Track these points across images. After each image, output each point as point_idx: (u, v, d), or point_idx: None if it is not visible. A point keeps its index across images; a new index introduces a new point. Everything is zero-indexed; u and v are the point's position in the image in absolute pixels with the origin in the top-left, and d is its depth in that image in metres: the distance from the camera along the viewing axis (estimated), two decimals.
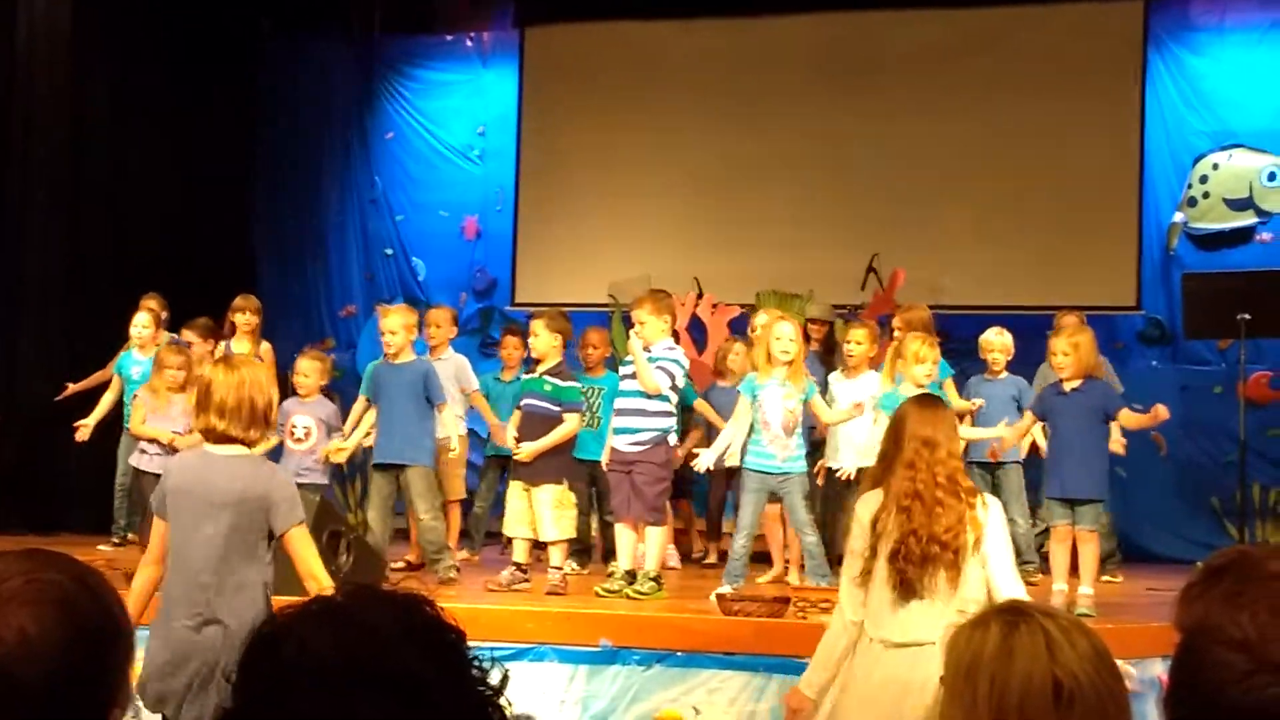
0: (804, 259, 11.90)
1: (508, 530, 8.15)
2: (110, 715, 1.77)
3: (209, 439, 4.96)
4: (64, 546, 1.94)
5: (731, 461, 8.12)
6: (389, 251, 13.52)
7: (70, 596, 1.75)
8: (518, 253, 13.14)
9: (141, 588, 5.01)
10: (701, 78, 12.60)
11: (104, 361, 10.14)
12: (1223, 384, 10.90)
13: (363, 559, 7.58)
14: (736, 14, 12.62)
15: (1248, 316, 9.19)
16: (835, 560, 8.93)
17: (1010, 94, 11.95)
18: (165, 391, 8.84)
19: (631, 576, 7.71)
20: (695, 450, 8.26)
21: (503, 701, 1.51)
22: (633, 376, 7.82)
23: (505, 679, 1.51)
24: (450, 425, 8.55)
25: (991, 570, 4.72)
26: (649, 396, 7.74)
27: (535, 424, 8.04)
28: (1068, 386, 7.78)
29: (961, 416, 7.94)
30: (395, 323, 8.40)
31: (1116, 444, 8.30)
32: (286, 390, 9.55)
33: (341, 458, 8.64)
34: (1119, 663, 4.50)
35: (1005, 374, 8.75)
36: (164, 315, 10.20)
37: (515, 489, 8.05)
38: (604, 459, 8.09)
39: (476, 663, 1.50)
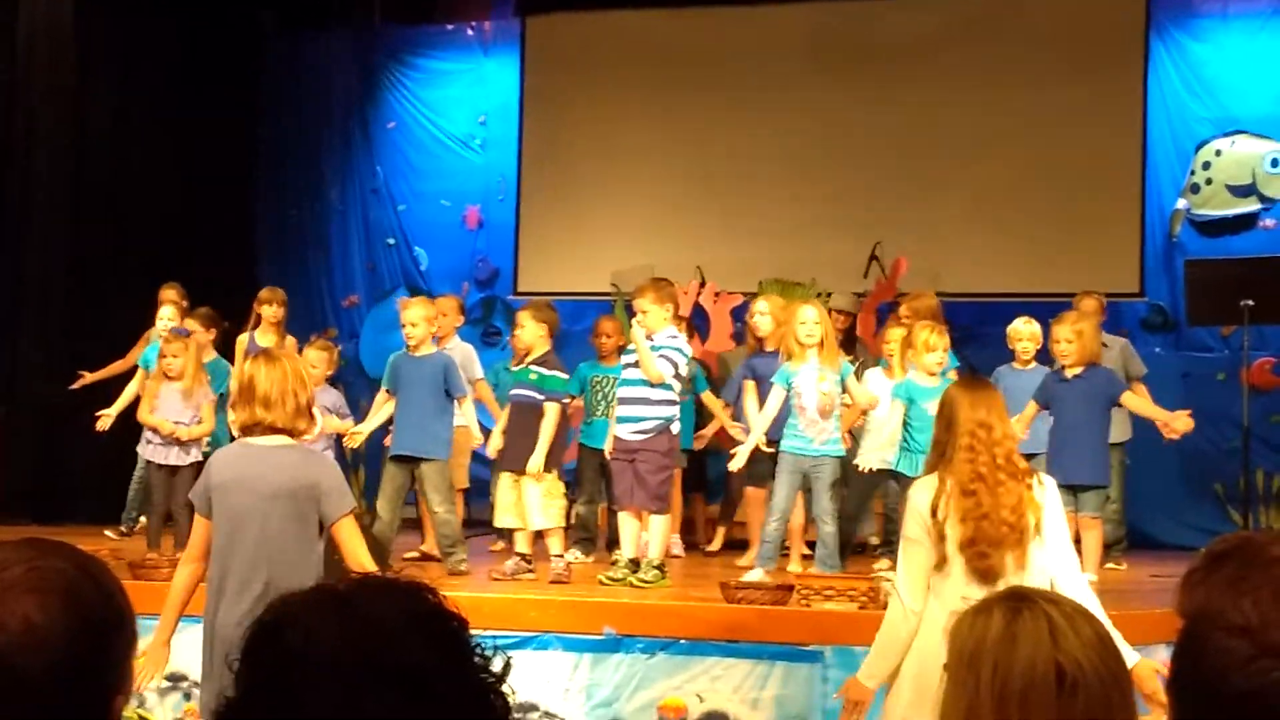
0: (807, 247, 11.90)
1: (498, 521, 8.21)
2: (114, 704, 1.78)
3: (253, 432, 4.97)
4: (68, 536, 1.94)
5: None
6: (391, 241, 13.51)
7: (73, 585, 1.76)
8: (520, 242, 13.14)
9: (183, 585, 5.05)
10: (703, 66, 12.58)
11: (105, 355, 10.13)
12: (1226, 371, 10.89)
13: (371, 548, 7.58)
14: (737, 3, 12.61)
15: (1251, 303, 9.19)
16: (855, 548, 9.06)
17: (1013, 81, 11.94)
18: (165, 379, 8.83)
19: (635, 565, 7.72)
20: (703, 434, 8.30)
21: (505, 689, 1.52)
22: (635, 365, 7.83)
23: (508, 667, 1.52)
24: (469, 416, 8.57)
25: (1050, 552, 4.72)
26: (652, 385, 7.75)
27: (522, 413, 8.08)
28: (1070, 374, 7.81)
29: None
30: (416, 315, 8.41)
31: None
32: None
33: (357, 441, 8.63)
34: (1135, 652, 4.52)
35: (1034, 364, 8.57)
36: (184, 305, 10.17)
37: (505, 480, 8.07)
38: (607, 448, 8.11)
39: (479, 651, 1.51)
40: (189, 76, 12.18)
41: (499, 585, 7.71)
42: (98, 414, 9.35)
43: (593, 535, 9.40)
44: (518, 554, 8.02)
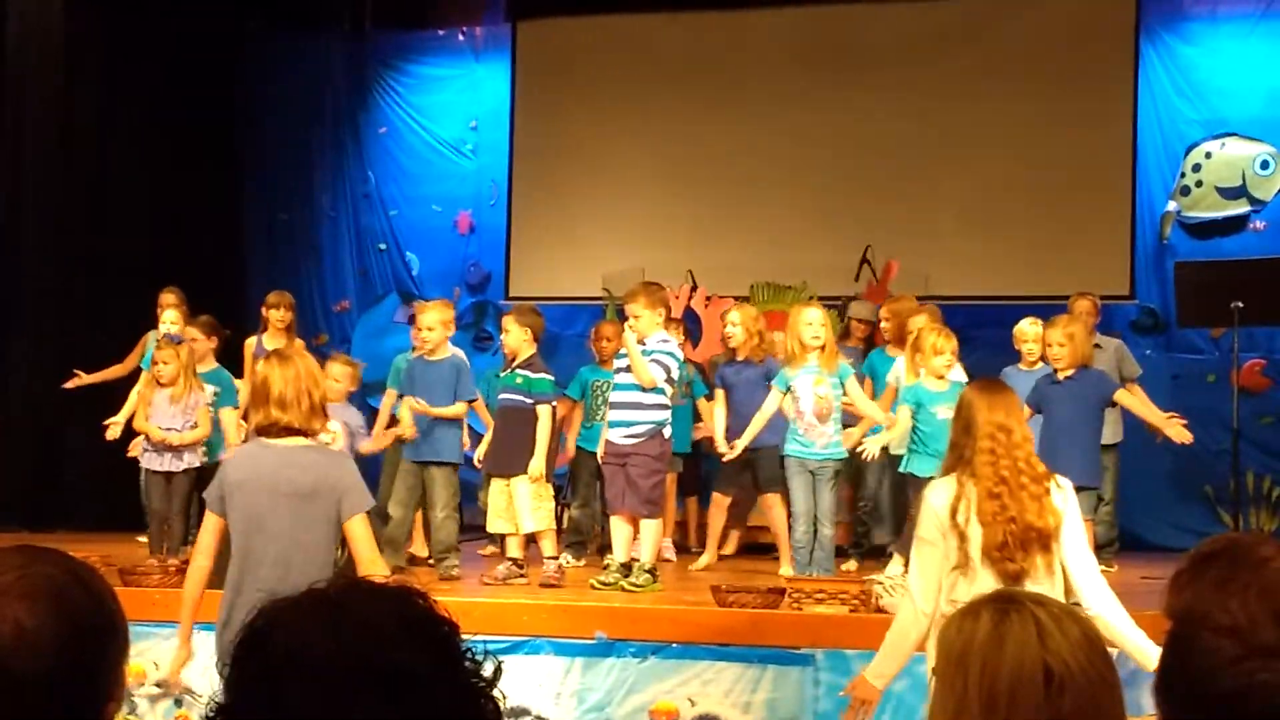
0: (798, 251, 11.92)
1: (491, 526, 8.21)
2: (105, 710, 1.78)
3: (269, 433, 4.98)
4: (61, 543, 1.94)
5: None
6: (382, 246, 13.51)
7: (64, 591, 1.76)
8: (511, 246, 13.15)
9: (195, 582, 5.09)
10: (693, 70, 12.60)
11: (97, 359, 10.12)
12: (1216, 372, 10.91)
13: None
14: (727, 7, 12.63)
15: (1241, 305, 9.21)
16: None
17: (1003, 83, 11.96)
18: (158, 386, 8.82)
19: (627, 569, 7.73)
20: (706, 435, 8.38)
21: (496, 693, 1.52)
22: (628, 370, 7.84)
23: (498, 671, 1.52)
24: (481, 414, 8.67)
25: (1070, 554, 4.73)
26: (644, 389, 7.76)
27: (511, 418, 8.09)
28: (1062, 375, 7.83)
29: None
30: (433, 318, 8.44)
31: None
32: None
33: (381, 444, 8.64)
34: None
35: (1040, 365, 8.55)
36: (186, 309, 10.13)
37: (496, 486, 8.08)
38: (599, 452, 8.12)
39: (469, 655, 1.51)
40: (179, 81, 12.16)
41: (490, 590, 7.71)
42: (105, 423, 9.33)
43: (585, 539, 9.41)
44: (509, 559, 8.02)
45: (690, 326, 11.39)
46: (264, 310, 10.00)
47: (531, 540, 8.08)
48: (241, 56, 13.47)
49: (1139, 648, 4.47)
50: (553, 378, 8.33)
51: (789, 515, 8.63)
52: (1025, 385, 8.29)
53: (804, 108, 12.34)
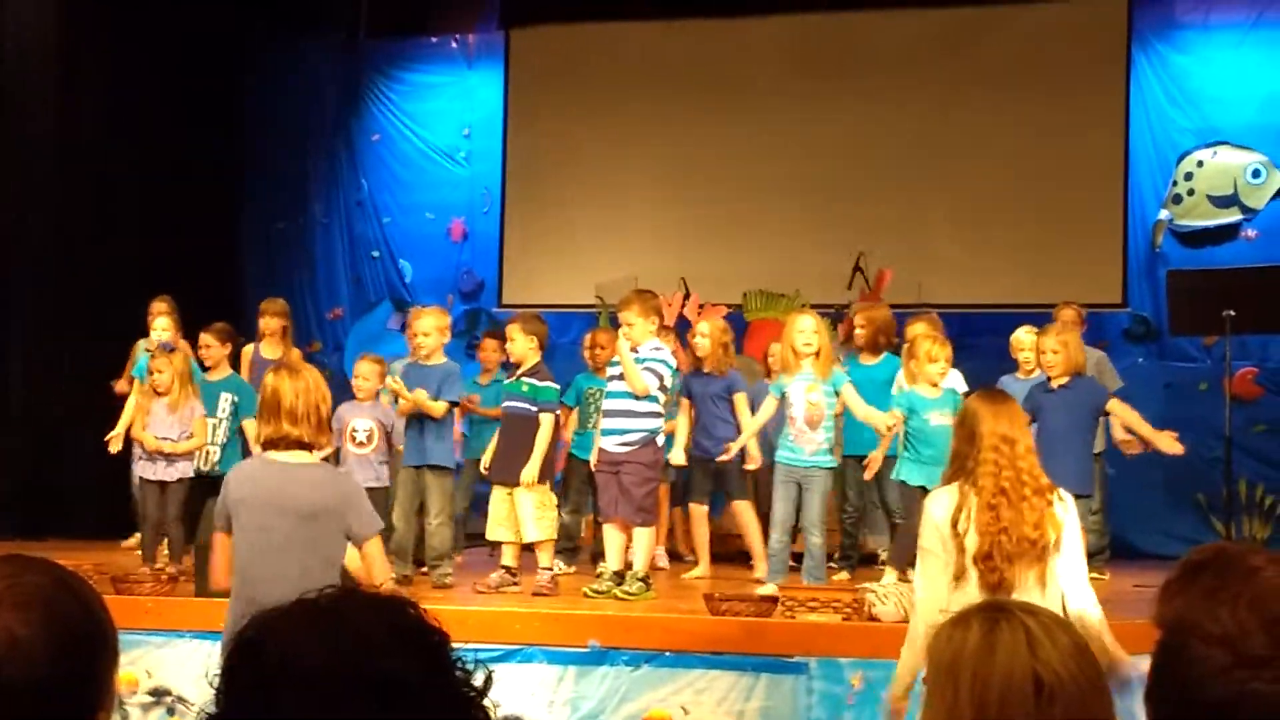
0: (790, 258, 11.93)
1: (491, 534, 8.17)
2: (97, 718, 1.77)
3: (277, 446, 4.97)
4: (54, 552, 1.94)
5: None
6: (376, 254, 13.52)
7: (55, 600, 1.76)
8: (504, 254, 13.15)
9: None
10: (686, 78, 12.61)
11: (92, 369, 10.11)
12: (1208, 381, 10.93)
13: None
14: (720, 15, 12.64)
15: (1233, 313, 9.22)
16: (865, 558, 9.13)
17: (996, 92, 11.98)
18: (154, 395, 8.82)
19: (620, 577, 7.72)
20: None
21: (488, 703, 1.52)
22: (620, 377, 7.84)
23: (489, 680, 1.52)
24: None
25: (1064, 566, 4.76)
26: (637, 397, 7.76)
27: (515, 426, 8.06)
28: (1055, 384, 7.85)
29: None
30: (428, 324, 8.47)
31: (1125, 443, 8.24)
32: None
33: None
34: (1132, 658, 4.57)
35: (1038, 373, 8.58)
36: (178, 318, 10.14)
37: (498, 493, 8.06)
38: (592, 460, 8.12)
39: (460, 664, 1.51)
40: (174, 89, 12.17)
41: (484, 598, 7.70)
42: (107, 439, 9.34)
43: (575, 545, 9.41)
44: (503, 566, 8.01)
45: (683, 334, 11.37)
46: (258, 318, 10.01)
47: (526, 549, 8.07)
48: (236, 64, 13.47)
49: (1105, 650, 4.57)
50: (558, 386, 8.34)
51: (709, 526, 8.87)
52: (1021, 394, 8.31)
53: (797, 116, 12.35)
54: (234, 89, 13.46)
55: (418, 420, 8.33)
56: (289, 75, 13.62)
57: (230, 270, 13.17)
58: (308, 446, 4.99)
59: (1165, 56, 11.79)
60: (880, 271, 11.66)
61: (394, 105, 13.58)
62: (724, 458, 8.39)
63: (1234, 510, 10.26)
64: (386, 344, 12.21)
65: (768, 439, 8.41)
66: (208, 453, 9.04)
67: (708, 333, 8.88)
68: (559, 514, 9.26)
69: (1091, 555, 8.61)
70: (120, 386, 10.01)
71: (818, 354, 7.93)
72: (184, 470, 8.73)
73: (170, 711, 7.02)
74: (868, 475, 8.27)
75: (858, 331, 9.16)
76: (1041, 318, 9.41)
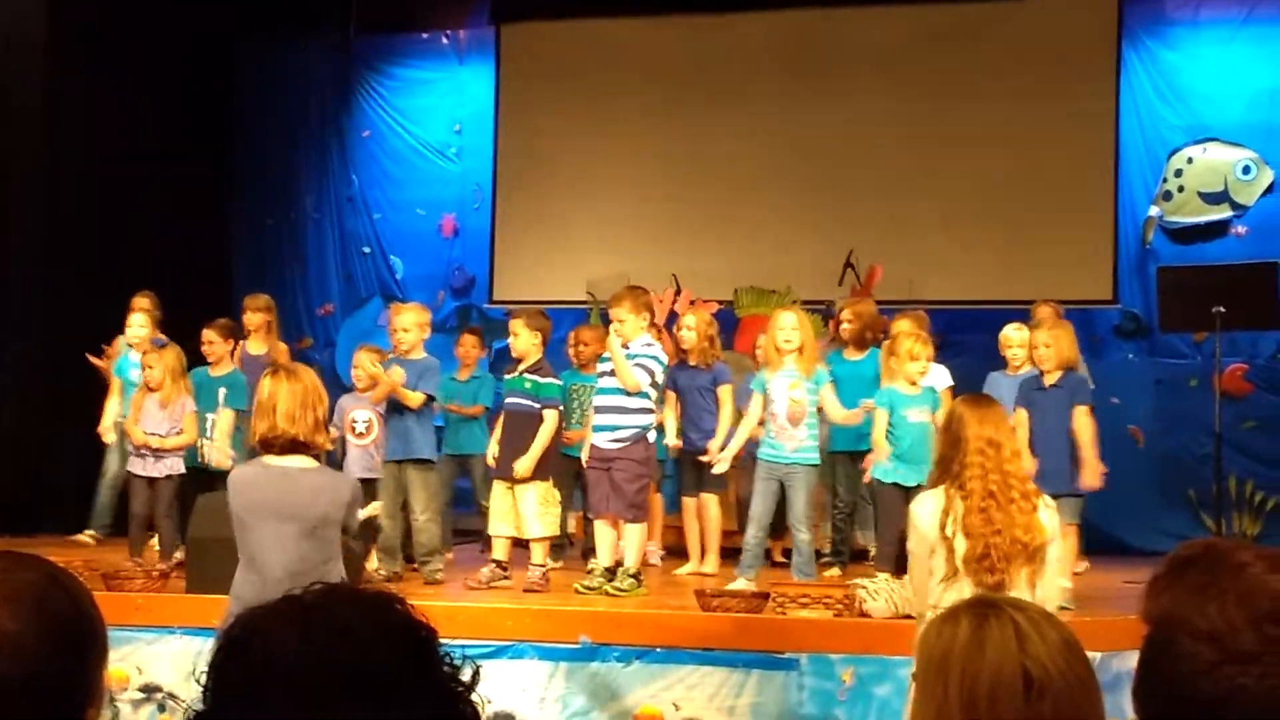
0: (782, 255, 11.94)
1: (491, 529, 8.16)
2: (86, 714, 1.78)
3: (273, 446, 4.98)
4: (41, 548, 1.94)
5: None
6: (367, 250, 13.51)
7: (45, 596, 1.76)
8: (495, 250, 13.14)
9: None
10: (677, 74, 12.61)
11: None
12: (1198, 377, 10.94)
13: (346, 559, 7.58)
14: (711, 11, 12.64)
15: (1223, 310, 9.24)
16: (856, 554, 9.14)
17: (986, 89, 11.99)
18: (147, 390, 8.83)
19: (611, 573, 7.72)
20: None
21: (478, 699, 1.52)
22: (612, 374, 7.84)
23: (476, 676, 1.52)
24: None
25: (1045, 576, 4.85)
26: (628, 394, 7.76)
27: (517, 422, 8.05)
28: (1048, 381, 7.88)
29: None
30: (409, 320, 8.48)
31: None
32: None
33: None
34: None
35: (1026, 368, 8.56)
36: (158, 315, 10.17)
37: (499, 488, 8.06)
38: (583, 456, 8.12)
39: (447, 660, 1.51)
40: (165, 86, 12.15)
41: (474, 595, 7.70)
42: (100, 431, 9.39)
43: (563, 541, 9.41)
44: (494, 561, 8.01)
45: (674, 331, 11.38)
46: (242, 314, 10.02)
47: (518, 545, 8.07)
48: (226, 59, 13.45)
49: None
50: (560, 383, 8.34)
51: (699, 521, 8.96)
52: (1010, 390, 8.36)
53: (788, 112, 12.36)
54: (224, 84, 13.44)
55: (398, 414, 8.32)
56: (280, 71, 13.60)
57: (221, 266, 13.16)
58: (305, 447, 5.00)
59: (1155, 53, 11.80)
60: (871, 268, 11.67)
61: (385, 101, 13.57)
62: (706, 458, 8.38)
63: (1224, 506, 10.28)
64: (377, 340, 12.14)
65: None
66: (208, 446, 9.07)
67: (693, 325, 8.91)
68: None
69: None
70: (108, 370, 10.03)
71: (799, 351, 7.94)
72: (173, 466, 8.73)
73: (161, 708, 7.02)
74: (866, 478, 8.28)
75: (845, 326, 9.18)
76: (1032, 314, 9.46)
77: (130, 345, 9.73)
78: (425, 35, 13.56)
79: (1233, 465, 10.66)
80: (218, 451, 8.94)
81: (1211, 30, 11.68)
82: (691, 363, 8.83)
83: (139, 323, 9.69)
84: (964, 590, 4.67)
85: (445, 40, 13.50)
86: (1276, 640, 1.63)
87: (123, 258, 11.37)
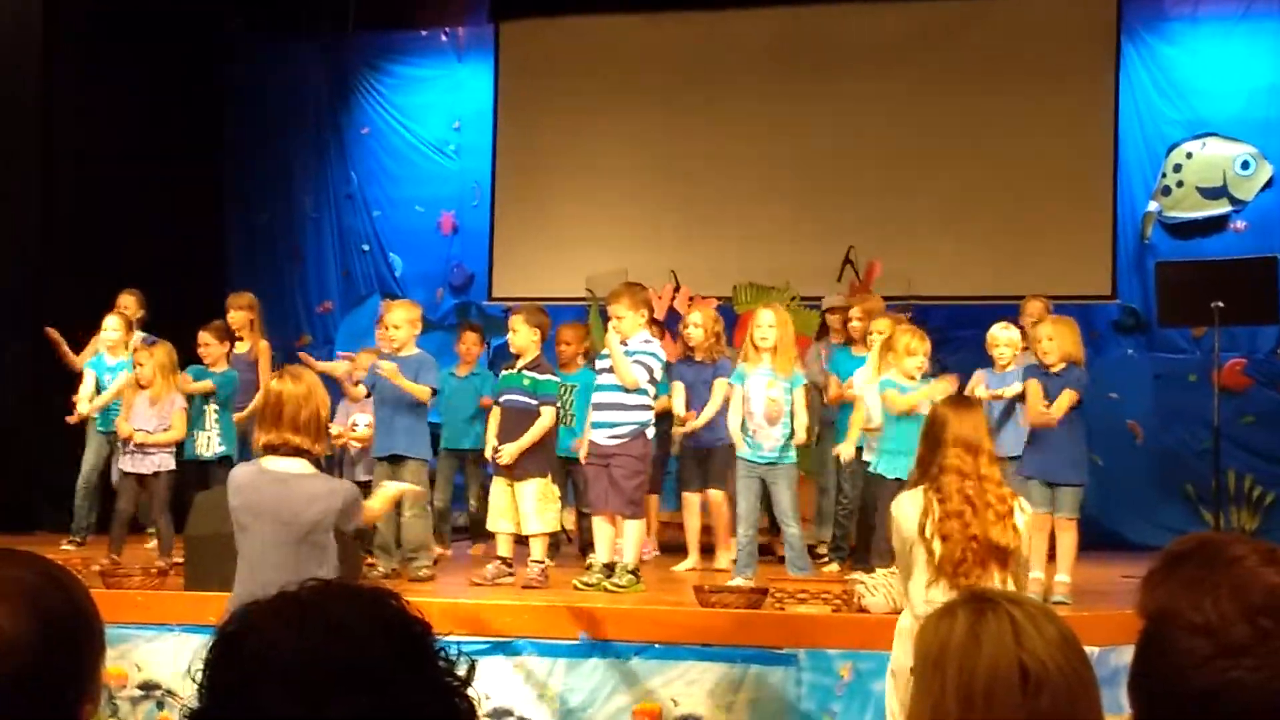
0: (780, 251, 11.93)
1: (492, 525, 8.17)
2: (83, 710, 1.78)
3: (279, 452, 5.01)
4: (35, 546, 1.94)
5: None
6: (365, 247, 13.50)
7: (41, 593, 1.76)
8: (494, 247, 13.14)
9: None
10: (676, 71, 12.61)
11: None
12: (1197, 372, 10.94)
13: (343, 555, 7.57)
14: (709, 8, 12.64)
15: (1221, 304, 9.25)
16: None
17: (985, 84, 11.98)
18: (138, 388, 8.84)
19: (609, 569, 7.73)
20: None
21: (477, 695, 1.52)
22: (610, 370, 7.84)
23: (472, 671, 1.52)
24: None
25: (1015, 576, 4.98)
26: (627, 390, 7.76)
27: (514, 419, 8.06)
28: (1053, 372, 7.90)
29: None
30: (400, 317, 8.44)
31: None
32: None
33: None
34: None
35: (1013, 366, 8.60)
36: (140, 314, 10.19)
37: (498, 484, 8.06)
38: (581, 453, 8.12)
39: (443, 656, 1.51)
40: (161, 82, 12.13)
41: (473, 590, 7.70)
42: (71, 403, 9.43)
43: (558, 539, 9.41)
44: (499, 557, 8.01)
45: (673, 327, 11.38)
46: (225, 313, 10.04)
47: (519, 541, 8.07)
48: (224, 57, 13.45)
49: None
50: (558, 379, 8.33)
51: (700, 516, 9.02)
52: (998, 388, 8.40)
53: (787, 108, 12.35)
54: (222, 82, 13.43)
55: (390, 412, 8.30)
56: (277, 68, 13.59)
57: (219, 264, 13.15)
58: (306, 453, 5.01)
59: (1154, 48, 11.80)
60: (870, 263, 11.67)
61: (383, 98, 13.56)
62: (679, 429, 8.47)
63: (1223, 501, 10.29)
64: (376, 338, 12.21)
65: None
66: (205, 439, 9.09)
67: (700, 322, 8.93)
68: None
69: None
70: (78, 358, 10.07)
71: (774, 350, 7.93)
72: (162, 463, 8.71)
73: (159, 705, 7.02)
74: (841, 455, 8.29)
75: (854, 324, 9.20)
76: None
77: (108, 349, 9.72)
78: (424, 32, 13.55)
79: (1231, 460, 10.66)
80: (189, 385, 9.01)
81: (1210, 25, 11.68)
82: (698, 358, 8.84)
83: (112, 325, 9.72)
84: (941, 592, 4.76)
85: (444, 37, 13.49)
86: (1270, 633, 1.63)
87: (121, 257, 11.36)
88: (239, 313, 10.00)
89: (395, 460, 8.23)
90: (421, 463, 8.33)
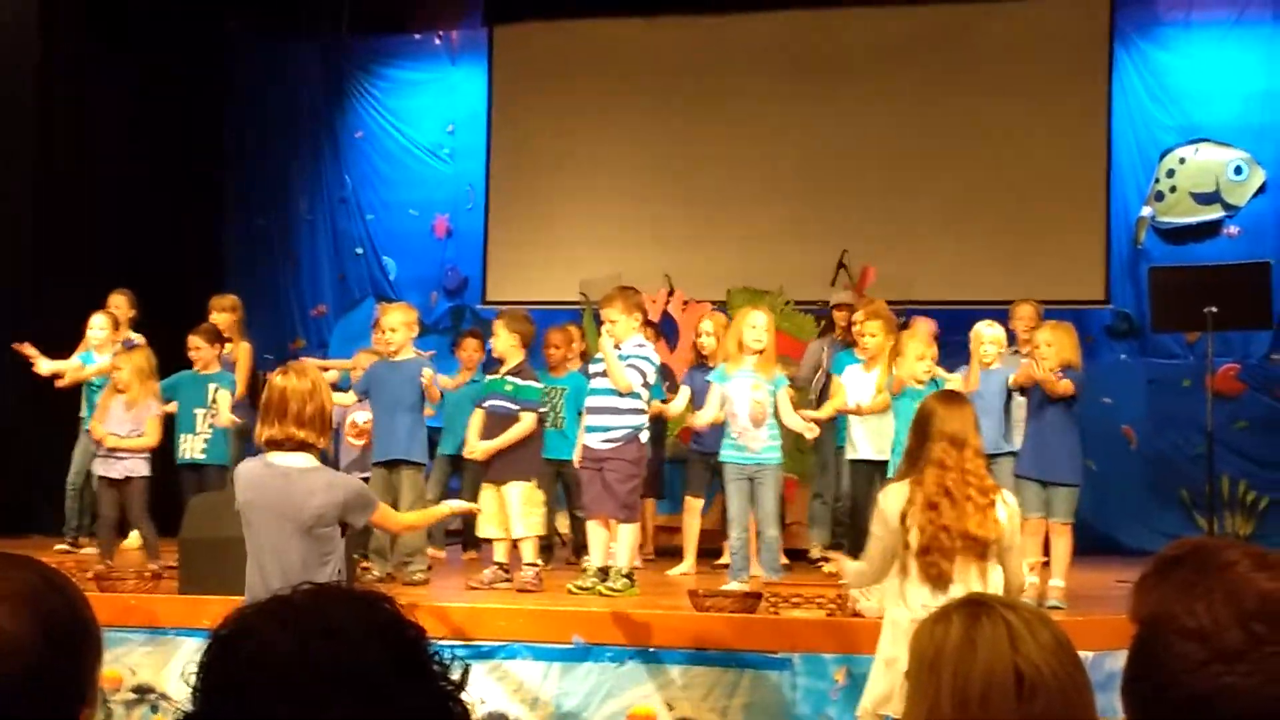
0: (775, 255, 11.94)
1: (481, 531, 8.17)
2: (80, 715, 1.78)
3: (283, 447, 5.01)
4: (30, 549, 1.94)
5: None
6: (359, 251, 13.50)
7: (39, 595, 1.76)
8: (488, 251, 13.15)
9: None
10: (670, 75, 12.62)
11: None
12: (1191, 377, 10.96)
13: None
14: (704, 11, 12.65)
15: (1214, 310, 9.26)
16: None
17: (978, 89, 12.00)
18: (115, 391, 8.81)
19: (604, 573, 7.73)
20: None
21: (471, 699, 1.52)
22: (604, 374, 7.84)
23: (466, 675, 1.52)
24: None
25: (1006, 566, 5.09)
26: (620, 394, 7.76)
27: (496, 423, 8.07)
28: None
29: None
30: (395, 320, 8.41)
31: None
32: (258, 393, 9.55)
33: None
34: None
35: (996, 364, 8.64)
36: (131, 314, 10.18)
37: (486, 490, 8.06)
38: (575, 457, 8.12)
39: (437, 660, 1.51)
40: (156, 86, 12.14)
41: (468, 595, 7.70)
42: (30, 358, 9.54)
43: (551, 543, 9.41)
44: (496, 563, 8.02)
45: (667, 331, 11.39)
46: (207, 315, 10.03)
47: (515, 546, 8.07)
48: (219, 60, 13.45)
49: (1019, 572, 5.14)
50: (541, 385, 8.33)
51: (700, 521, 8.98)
52: (985, 385, 8.41)
53: (781, 112, 12.36)
54: (215, 86, 13.43)
55: (388, 418, 8.30)
56: (272, 71, 13.59)
57: (214, 268, 13.14)
58: (310, 448, 5.02)
59: (1148, 54, 11.82)
60: (864, 268, 11.67)
61: (378, 102, 13.57)
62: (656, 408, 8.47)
63: (1216, 506, 10.31)
64: (370, 341, 12.20)
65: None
66: (198, 443, 9.08)
67: (711, 330, 8.97)
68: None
69: None
70: (66, 366, 10.05)
71: (762, 352, 7.95)
72: (133, 468, 8.65)
73: (154, 709, 7.01)
74: (811, 422, 8.30)
75: (856, 327, 9.20)
76: None
77: (95, 348, 9.72)
78: (418, 36, 13.56)
79: (1225, 465, 10.68)
80: (223, 416, 8.95)
81: (1203, 31, 11.70)
82: (711, 365, 8.82)
83: (99, 324, 9.73)
84: (913, 582, 4.96)
85: (438, 41, 13.50)
86: (1263, 638, 1.63)
87: (116, 259, 11.36)
88: (222, 314, 10.00)
89: (392, 465, 8.22)
90: (418, 468, 8.32)
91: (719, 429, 8.35)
